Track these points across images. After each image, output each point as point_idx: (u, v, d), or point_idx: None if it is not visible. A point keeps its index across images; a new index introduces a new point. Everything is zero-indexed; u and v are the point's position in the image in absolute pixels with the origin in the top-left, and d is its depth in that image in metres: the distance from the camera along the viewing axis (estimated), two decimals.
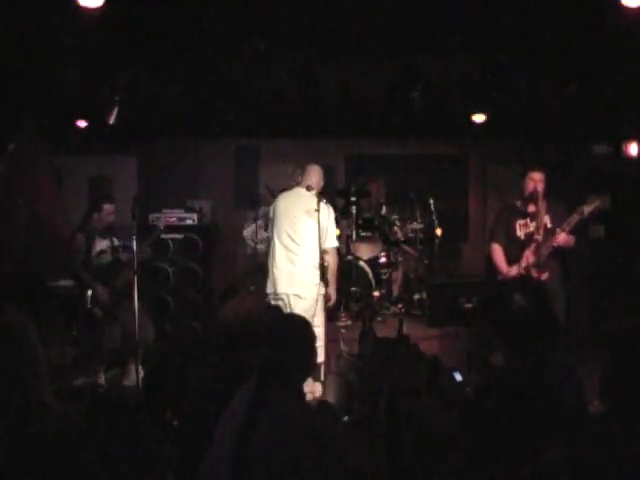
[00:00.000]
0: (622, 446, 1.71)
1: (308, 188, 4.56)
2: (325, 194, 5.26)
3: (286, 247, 4.57)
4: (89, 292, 4.84)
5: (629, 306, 5.66)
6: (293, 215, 4.59)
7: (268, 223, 4.81)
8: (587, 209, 4.27)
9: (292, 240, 4.56)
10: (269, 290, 4.59)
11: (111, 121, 5.78)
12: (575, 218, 4.30)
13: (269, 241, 4.77)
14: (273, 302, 4.53)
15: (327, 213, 4.62)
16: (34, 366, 1.91)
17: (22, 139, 6.27)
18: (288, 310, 4.38)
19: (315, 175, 4.73)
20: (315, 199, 4.50)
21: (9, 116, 5.91)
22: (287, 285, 4.52)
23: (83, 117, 6.49)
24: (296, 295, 4.49)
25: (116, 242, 5.08)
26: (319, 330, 4.52)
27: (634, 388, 1.78)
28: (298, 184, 4.74)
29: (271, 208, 4.78)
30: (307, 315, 4.30)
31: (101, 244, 4.98)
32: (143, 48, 4.91)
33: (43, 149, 6.59)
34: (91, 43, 4.67)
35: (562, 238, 4.33)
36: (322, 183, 4.78)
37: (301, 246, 4.53)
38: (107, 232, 5.05)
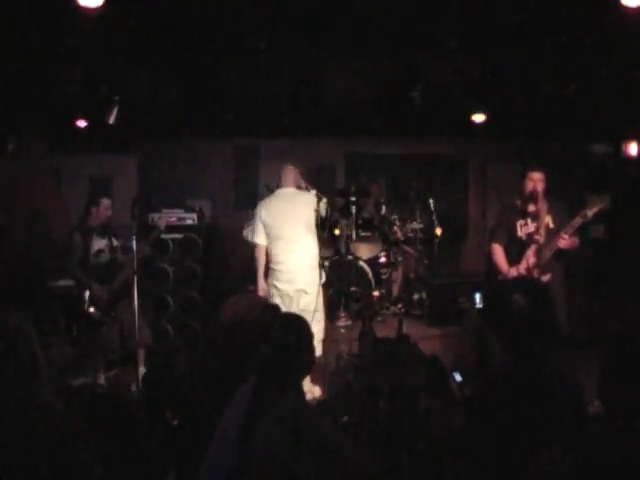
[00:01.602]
0: (622, 446, 1.71)
1: (300, 188, 4.74)
2: (325, 194, 5.31)
3: (284, 247, 4.63)
4: (87, 292, 4.85)
5: (629, 306, 5.66)
6: (284, 216, 4.65)
7: (255, 230, 4.82)
8: (590, 212, 4.25)
9: (290, 240, 4.62)
10: (273, 288, 4.66)
11: (111, 121, 5.78)
12: (578, 221, 4.28)
13: (259, 244, 4.79)
14: (278, 299, 4.57)
15: (317, 204, 4.70)
16: (33, 366, 1.91)
17: (22, 139, 6.27)
18: (293, 306, 4.47)
19: (289, 175, 4.80)
20: (299, 194, 4.70)
21: (9, 116, 5.91)
22: (291, 281, 4.60)
23: (83, 117, 6.49)
24: (300, 290, 4.57)
25: (115, 242, 5.08)
26: (321, 325, 4.56)
27: (633, 388, 1.78)
28: (279, 187, 4.83)
29: (257, 217, 4.78)
30: (310, 309, 4.37)
31: (99, 243, 4.98)
32: (143, 48, 4.91)
33: (43, 149, 6.59)
34: (91, 43, 4.67)
35: (565, 241, 4.32)
36: (299, 180, 4.84)
37: (299, 242, 4.61)
38: (105, 231, 5.05)
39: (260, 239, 4.74)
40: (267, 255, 4.76)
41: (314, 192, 4.85)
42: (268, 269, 4.75)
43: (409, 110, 6.08)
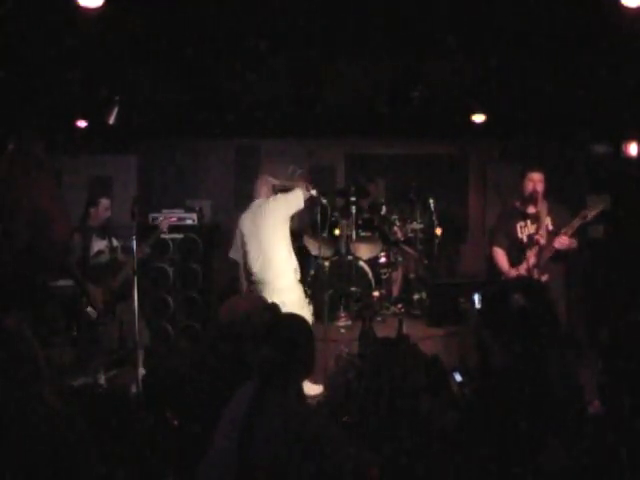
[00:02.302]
0: (622, 446, 1.71)
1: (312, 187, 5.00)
2: (325, 194, 5.35)
3: (253, 257, 4.84)
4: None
5: (629, 306, 5.66)
6: (251, 229, 4.90)
7: (233, 246, 5.08)
8: (590, 213, 4.25)
9: (257, 250, 4.83)
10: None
11: (111, 121, 5.78)
12: (578, 222, 4.28)
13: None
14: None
15: (282, 204, 4.89)
16: (34, 366, 1.91)
17: (22, 139, 6.26)
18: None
19: (260, 185, 5.06)
20: (266, 203, 4.89)
21: (9, 116, 5.91)
22: (262, 291, 4.79)
23: (83, 117, 6.49)
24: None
25: (115, 243, 5.09)
26: None
27: (633, 388, 1.78)
28: (254, 197, 5.10)
29: (236, 233, 5.05)
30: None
31: (99, 244, 4.99)
32: (143, 48, 4.91)
33: (43, 149, 6.58)
34: (91, 43, 4.67)
35: (564, 242, 4.32)
36: (270, 190, 5.05)
37: (265, 251, 4.80)
38: (105, 232, 5.05)
39: (237, 255, 5.01)
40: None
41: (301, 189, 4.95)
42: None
43: (409, 110, 6.08)
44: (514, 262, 4.55)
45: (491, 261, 4.77)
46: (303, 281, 5.99)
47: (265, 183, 5.02)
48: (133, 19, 4.35)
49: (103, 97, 5.73)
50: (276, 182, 5.04)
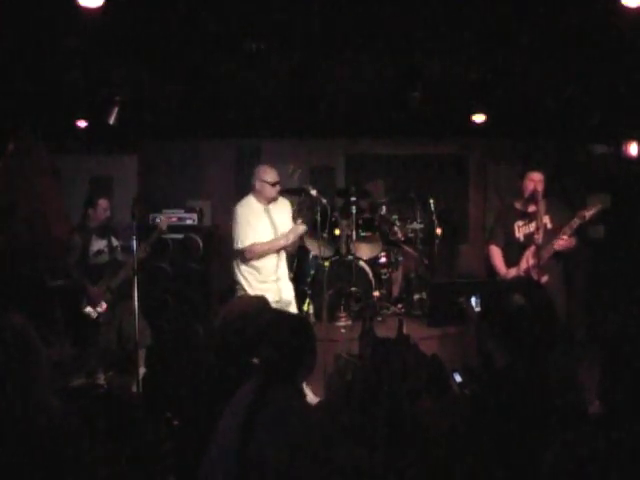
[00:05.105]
0: (622, 446, 1.71)
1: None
2: (325, 194, 5.34)
3: None
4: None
5: (628, 306, 5.66)
6: None
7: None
8: (588, 213, 4.27)
9: None
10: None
11: (111, 121, 5.77)
12: (576, 222, 4.29)
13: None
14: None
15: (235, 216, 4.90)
16: (39, 365, 1.91)
17: (22, 139, 6.27)
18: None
19: (253, 178, 5.00)
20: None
21: (9, 116, 5.91)
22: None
23: (83, 117, 6.49)
24: None
25: (114, 242, 5.09)
26: None
27: (633, 388, 1.78)
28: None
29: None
30: None
31: (99, 244, 4.99)
32: (143, 48, 4.91)
33: (44, 149, 6.58)
34: (91, 43, 4.67)
35: (564, 242, 4.32)
36: (258, 183, 4.96)
37: None
38: (105, 232, 5.05)
39: None
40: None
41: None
42: None
43: (409, 110, 6.07)
44: (511, 262, 4.54)
45: (488, 260, 4.77)
46: (303, 281, 6.02)
47: (254, 174, 5.02)
48: (133, 19, 4.35)
49: (103, 97, 5.73)
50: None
